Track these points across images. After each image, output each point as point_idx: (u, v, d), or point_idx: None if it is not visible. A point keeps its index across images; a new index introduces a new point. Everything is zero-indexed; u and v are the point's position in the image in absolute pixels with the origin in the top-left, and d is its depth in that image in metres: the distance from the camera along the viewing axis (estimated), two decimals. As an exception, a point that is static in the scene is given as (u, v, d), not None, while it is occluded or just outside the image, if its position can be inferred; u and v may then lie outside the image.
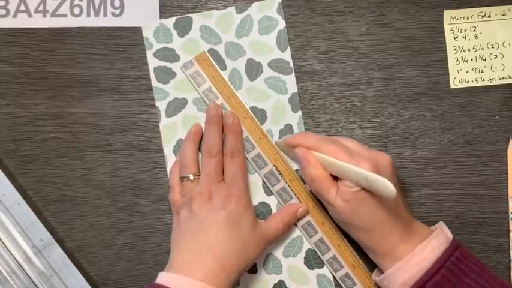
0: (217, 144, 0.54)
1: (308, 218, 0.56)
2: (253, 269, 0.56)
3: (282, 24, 0.57)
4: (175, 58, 0.57)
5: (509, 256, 0.57)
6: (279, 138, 0.57)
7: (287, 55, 0.57)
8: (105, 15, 0.58)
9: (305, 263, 0.56)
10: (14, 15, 0.58)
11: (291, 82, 0.57)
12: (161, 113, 0.57)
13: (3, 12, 0.58)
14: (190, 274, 0.48)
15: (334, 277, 0.56)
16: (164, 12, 0.58)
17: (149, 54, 0.57)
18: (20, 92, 0.57)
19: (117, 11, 0.58)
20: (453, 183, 0.57)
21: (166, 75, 0.57)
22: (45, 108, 0.57)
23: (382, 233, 0.50)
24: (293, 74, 0.57)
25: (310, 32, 0.58)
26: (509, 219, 0.57)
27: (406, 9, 0.58)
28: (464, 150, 0.57)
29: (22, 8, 0.58)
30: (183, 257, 0.50)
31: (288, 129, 0.57)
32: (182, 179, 0.54)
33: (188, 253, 0.50)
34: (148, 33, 0.57)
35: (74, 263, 0.55)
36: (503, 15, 0.58)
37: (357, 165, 0.48)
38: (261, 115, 0.57)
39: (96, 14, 0.58)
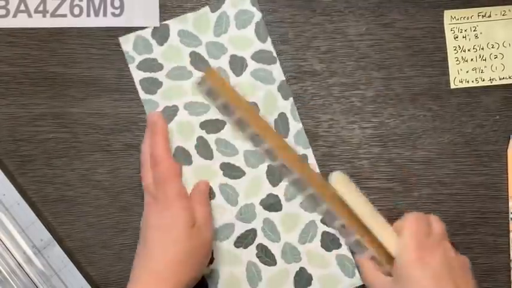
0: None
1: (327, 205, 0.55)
2: (272, 262, 0.56)
3: (258, 15, 0.57)
4: (158, 67, 0.57)
5: (509, 256, 0.57)
6: (275, 126, 0.56)
7: (268, 45, 0.57)
8: (105, 15, 0.58)
9: (322, 246, 0.56)
10: (14, 15, 0.58)
11: (277, 71, 0.57)
12: None
13: (3, 12, 0.58)
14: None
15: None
16: (164, 12, 0.58)
17: (132, 67, 0.57)
18: (20, 92, 0.57)
19: (117, 11, 0.58)
20: (453, 183, 0.57)
21: (152, 85, 0.57)
22: (45, 108, 0.57)
23: None
24: (277, 62, 0.57)
25: (310, 32, 0.58)
26: (510, 219, 0.57)
27: (406, 9, 0.58)
28: (464, 150, 0.57)
29: (22, 8, 0.58)
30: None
31: (282, 118, 0.57)
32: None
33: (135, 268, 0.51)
34: (127, 47, 0.57)
35: (74, 263, 0.55)
36: (503, 15, 0.58)
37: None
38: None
39: (96, 14, 0.58)
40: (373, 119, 0.58)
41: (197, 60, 0.57)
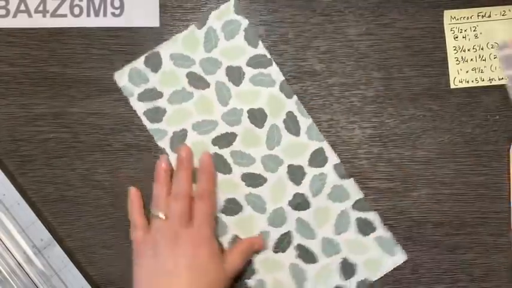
0: (186, 189, 0.53)
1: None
2: (313, 259, 0.56)
3: (244, 22, 0.57)
4: (158, 95, 0.57)
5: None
6: (286, 126, 0.57)
7: (261, 49, 0.57)
8: (105, 15, 0.58)
9: (359, 232, 0.56)
10: (14, 15, 0.58)
11: (275, 72, 0.57)
12: (167, 150, 0.57)
13: (3, 12, 0.58)
14: None
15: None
16: (164, 12, 0.58)
17: (132, 100, 0.57)
18: (20, 92, 0.57)
19: (117, 11, 0.58)
20: (453, 183, 0.57)
21: (156, 114, 0.57)
22: (45, 108, 0.57)
23: None
24: (274, 64, 0.57)
25: (310, 32, 0.58)
26: None
27: (406, 9, 0.58)
28: (464, 150, 0.57)
29: (22, 8, 0.58)
30: None
31: (290, 117, 0.57)
32: (153, 216, 0.54)
33: None
34: (123, 81, 0.57)
35: (74, 263, 0.55)
36: (503, 15, 0.58)
37: None
38: (260, 115, 0.57)
39: (96, 14, 0.58)
40: (373, 119, 0.58)
41: (195, 79, 0.57)
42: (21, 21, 0.58)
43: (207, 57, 0.57)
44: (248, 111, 0.57)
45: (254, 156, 0.57)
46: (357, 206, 0.56)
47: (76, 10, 0.58)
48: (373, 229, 0.56)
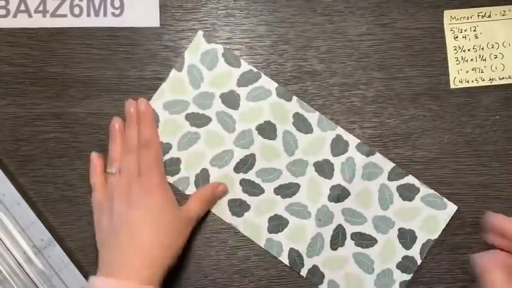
0: (135, 143, 0.54)
1: None
2: (372, 242, 0.56)
3: (220, 48, 0.58)
4: (168, 146, 0.57)
5: (509, 256, 0.57)
6: (297, 128, 0.57)
7: (245, 66, 0.57)
8: (105, 15, 0.58)
9: (404, 199, 0.56)
10: (14, 15, 0.58)
11: (267, 82, 0.57)
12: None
13: (3, 12, 0.58)
14: (115, 274, 0.48)
15: None
16: (164, 12, 0.58)
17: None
18: (20, 92, 0.57)
19: (117, 11, 0.58)
20: (453, 183, 0.57)
21: (173, 165, 0.57)
22: (45, 108, 0.57)
23: None
24: (262, 75, 0.57)
25: (310, 32, 0.58)
26: None
27: (406, 9, 0.58)
28: (464, 150, 0.57)
29: (22, 8, 0.58)
30: (108, 257, 0.50)
31: (298, 117, 0.57)
32: (108, 173, 0.54)
33: (113, 253, 0.50)
34: None
35: (74, 263, 0.55)
36: (503, 15, 0.58)
37: None
38: (269, 127, 0.57)
39: (96, 14, 0.58)
40: (373, 119, 0.58)
41: (195, 119, 0.57)
42: (21, 21, 0.58)
43: (198, 93, 0.57)
44: (257, 128, 0.57)
45: (279, 167, 0.57)
46: (393, 175, 0.56)
47: (76, 10, 0.58)
48: (416, 191, 0.56)
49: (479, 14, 0.58)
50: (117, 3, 0.58)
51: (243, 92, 0.57)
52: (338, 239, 0.56)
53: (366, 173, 0.57)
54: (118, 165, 0.54)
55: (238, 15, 0.58)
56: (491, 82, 0.58)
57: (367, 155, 0.57)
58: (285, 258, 0.56)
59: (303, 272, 0.56)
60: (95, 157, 0.56)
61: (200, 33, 0.58)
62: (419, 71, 0.58)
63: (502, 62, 0.58)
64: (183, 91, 0.57)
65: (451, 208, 0.56)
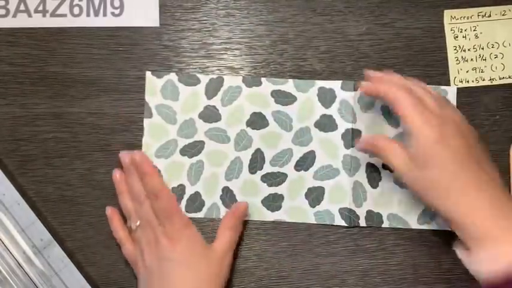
0: (142, 190, 0.54)
1: None
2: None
3: (173, 76, 0.57)
4: (181, 190, 0.57)
5: None
6: (281, 104, 0.57)
7: (204, 78, 0.57)
8: (105, 15, 0.58)
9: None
10: (14, 15, 0.58)
11: (232, 80, 0.57)
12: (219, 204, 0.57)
13: (3, 12, 0.58)
14: None
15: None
16: (164, 12, 0.58)
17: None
18: (20, 92, 0.57)
19: (117, 11, 0.58)
20: (453, 183, 0.57)
21: (196, 202, 0.57)
22: (45, 108, 0.57)
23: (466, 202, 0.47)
24: (224, 76, 0.57)
25: (310, 32, 0.58)
26: None
27: (406, 9, 0.58)
28: (464, 150, 0.57)
29: (22, 8, 0.58)
30: None
31: (277, 93, 0.57)
32: (130, 229, 0.54)
33: None
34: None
35: (74, 263, 0.55)
36: (503, 15, 0.58)
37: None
38: (258, 118, 0.57)
39: (96, 14, 0.58)
40: (373, 119, 0.58)
41: (191, 148, 0.57)
42: (21, 21, 0.58)
43: (179, 126, 0.57)
44: (248, 125, 0.57)
45: (287, 146, 0.57)
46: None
47: (76, 10, 0.58)
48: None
49: (479, 14, 0.58)
50: (117, 3, 0.58)
51: (216, 101, 0.57)
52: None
53: (363, 105, 0.57)
54: (135, 218, 0.54)
55: (238, 15, 0.58)
56: (491, 82, 0.58)
57: (355, 89, 0.57)
58: (340, 221, 0.56)
59: (362, 223, 0.56)
60: (109, 210, 0.56)
61: (148, 73, 0.57)
62: (419, 71, 0.58)
63: (502, 61, 0.58)
64: (165, 133, 0.57)
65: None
